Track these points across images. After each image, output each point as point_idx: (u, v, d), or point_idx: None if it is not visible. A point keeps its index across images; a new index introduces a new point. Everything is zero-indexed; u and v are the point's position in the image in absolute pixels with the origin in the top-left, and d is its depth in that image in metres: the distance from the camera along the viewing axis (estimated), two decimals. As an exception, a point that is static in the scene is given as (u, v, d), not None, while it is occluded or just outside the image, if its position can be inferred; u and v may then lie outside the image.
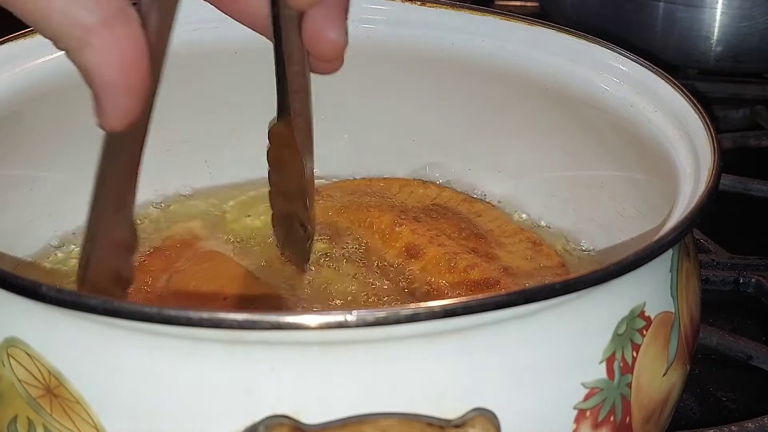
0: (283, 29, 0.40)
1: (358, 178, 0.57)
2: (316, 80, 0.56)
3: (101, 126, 0.36)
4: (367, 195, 0.55)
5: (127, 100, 0.34)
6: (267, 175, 0.47)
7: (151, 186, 0.55)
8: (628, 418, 0.37)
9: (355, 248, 0.51)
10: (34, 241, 0.50)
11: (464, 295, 0.46)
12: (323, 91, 0.56)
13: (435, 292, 0.48)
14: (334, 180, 0.57)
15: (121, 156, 0.37)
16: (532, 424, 0.35)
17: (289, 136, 0.43)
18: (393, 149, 0.57)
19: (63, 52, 0.49)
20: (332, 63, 0.41)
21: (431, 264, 0.49)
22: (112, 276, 0.39)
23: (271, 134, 0.45)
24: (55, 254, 0.50)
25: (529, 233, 0.53)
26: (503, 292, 0.33)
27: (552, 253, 0.51)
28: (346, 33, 0.40)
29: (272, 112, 0.56)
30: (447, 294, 0.47)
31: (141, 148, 0.37)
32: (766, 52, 0.82)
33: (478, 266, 0.48)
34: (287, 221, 0.48)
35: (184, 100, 0.54)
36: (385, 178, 0.57)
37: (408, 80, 0.55)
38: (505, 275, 0.48)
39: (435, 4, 0.54)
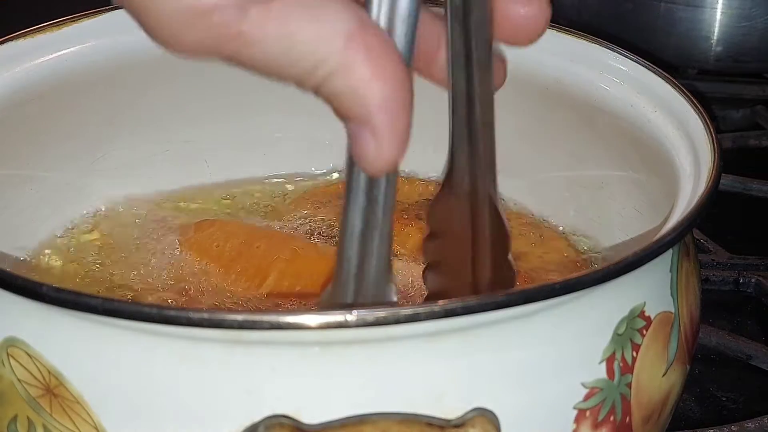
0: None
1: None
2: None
3: (371, 169, 0.30)
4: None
5: (403, 124, 0.29)
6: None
7: (151, 185, 0.55)
8: (628, 418, 0.37)
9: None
10: (34, 241, 0.50)
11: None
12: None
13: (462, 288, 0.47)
14: (325, 182, 0.57)
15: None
16: (532, 424, 0.35)
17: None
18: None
19: (63, 52, 0.50)
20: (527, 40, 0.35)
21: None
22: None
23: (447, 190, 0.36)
24: (55, 254, 0.50)
25: (525, 218, 0.53)
26: (503, 291, 0.33)
27: (553, 235, 0.51)
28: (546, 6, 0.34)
29: (272, 111, 0.57)
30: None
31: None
32: (766, 52, 0.82)
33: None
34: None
35: (184, 100, 0.54)
36: None
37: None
38: (520, 263, 0.48)
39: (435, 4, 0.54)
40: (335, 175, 0.57)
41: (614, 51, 0.50)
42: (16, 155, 0.49)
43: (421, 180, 0.56)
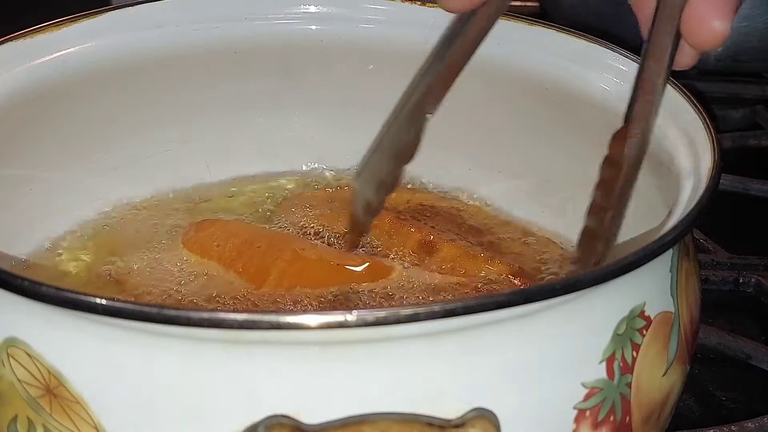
0: (658, 20, 0.41)
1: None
2: (315, 80, 0.56)
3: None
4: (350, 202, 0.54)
5: None
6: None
7: (151, 185, 0.55)
8: (628, 418, 0.37)
9: (372, 252, 0.50)
10: (34, 241, 0.50)
11: (498, 289, 0.46)
12: (323, 91, 0.57)
13: (465, 287, 0.47)
14: (324, 182, 0.57)
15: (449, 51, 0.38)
16: (532, 424, 0.35)
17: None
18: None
19: (63, 52, 0.50)
20: (701, 54, 0.40)
21: (450, 260, 0.49)
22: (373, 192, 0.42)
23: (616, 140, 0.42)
24: (55, 254, 0.50)
25: (517, 223, 0.53)
26: (503, 291, 0.33)
27: (553, 235, 0.52)
28: (730, 24, 0.38)
29: (272, 111, 0.57)
30: (483, 288, 0.47)
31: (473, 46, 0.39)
32: (766, 52, 0.82)
33: (497, 257, 0.48)
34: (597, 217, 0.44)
35: (184, 100, 0.55)
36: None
37: (408, 80, 0.55)
38: (522, 264, 0.48)
39: (435, 4, 0.54)
40: (334, 176, 0.57)
41: (614, 51, 0.50)
42: (16, 155, 0.49)
43: (404, 187, 0.56)
